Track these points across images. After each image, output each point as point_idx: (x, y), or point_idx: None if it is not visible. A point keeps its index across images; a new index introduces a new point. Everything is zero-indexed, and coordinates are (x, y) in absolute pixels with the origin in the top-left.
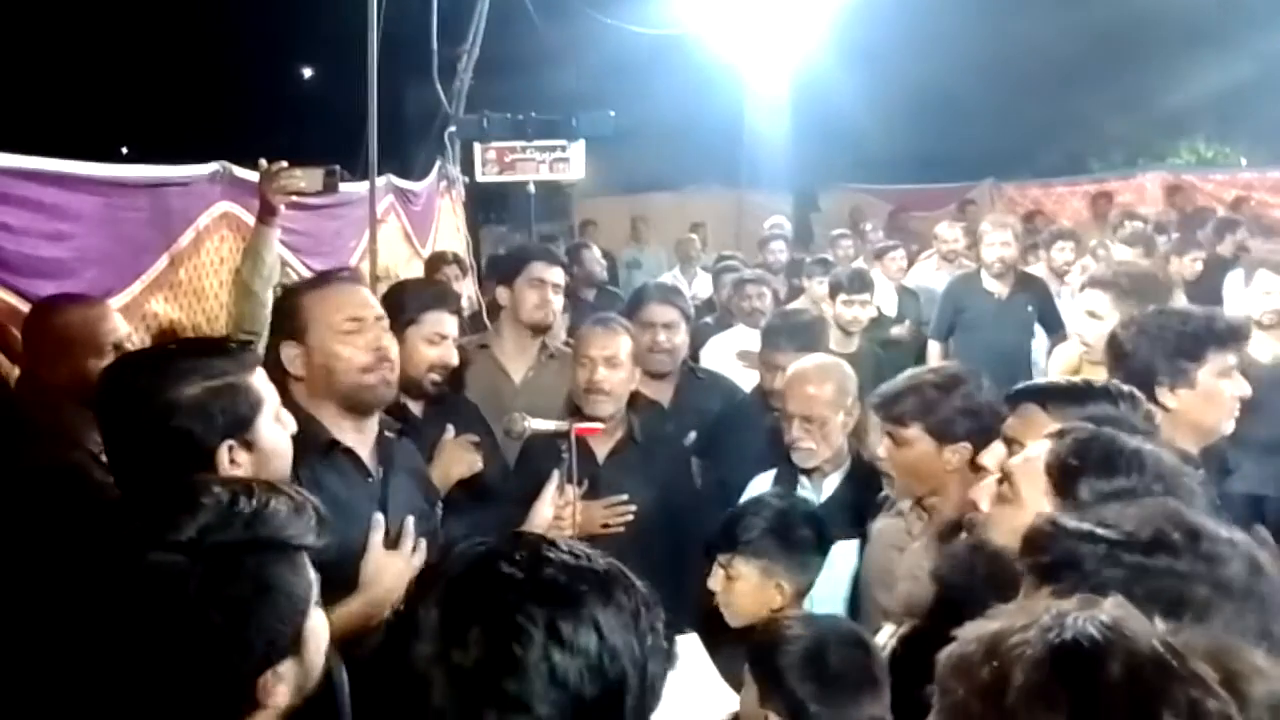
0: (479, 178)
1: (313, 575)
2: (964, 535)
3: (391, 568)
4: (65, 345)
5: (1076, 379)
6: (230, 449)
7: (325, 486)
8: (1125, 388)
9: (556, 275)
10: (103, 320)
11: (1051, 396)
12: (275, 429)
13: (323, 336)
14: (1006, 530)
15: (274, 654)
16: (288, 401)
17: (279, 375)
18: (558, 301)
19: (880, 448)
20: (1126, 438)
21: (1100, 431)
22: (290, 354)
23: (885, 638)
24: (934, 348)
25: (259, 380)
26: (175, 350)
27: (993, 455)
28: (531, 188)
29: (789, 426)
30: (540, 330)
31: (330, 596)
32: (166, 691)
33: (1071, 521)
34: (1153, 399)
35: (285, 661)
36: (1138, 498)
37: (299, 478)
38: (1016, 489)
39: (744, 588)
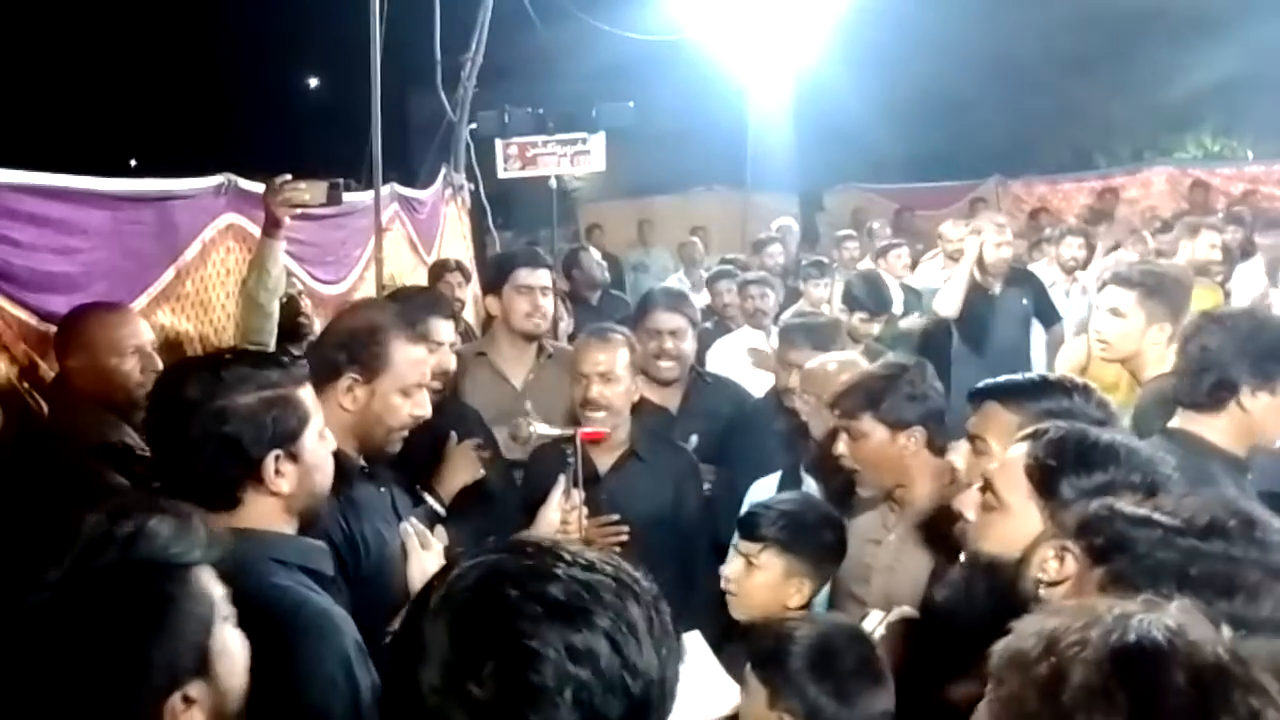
0: (500, 174)
1: (216, 592)
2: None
3: (431, 566)
4: (89, 348)
5: (1033, 375)
6: (277, 459)
7: (365, 507)
8: (1079, 380)
9: (543, 278)
10: (125, 324)
11: (1009, 392)
12: (319, 444)
13: (391, 387)
14: (997, 538)
15: (177, 676)
16: None
17: None
18: (548, 303)
19: (840, 444)
20: (1098, 432)
21: (1072, 428)
22: (347, 385)
23: (874, 623)
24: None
25: (307, 395)
26: (230, 359)
27: (958, 453)
28: (554, 183)
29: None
30: (533, 338)
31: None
32: None
33: (1129, 507)
34: (1228, 397)
35: (193, 683)
36: (1117, 490)
37: (337, 501)
38: (1000, 496)
39: (764, 580)
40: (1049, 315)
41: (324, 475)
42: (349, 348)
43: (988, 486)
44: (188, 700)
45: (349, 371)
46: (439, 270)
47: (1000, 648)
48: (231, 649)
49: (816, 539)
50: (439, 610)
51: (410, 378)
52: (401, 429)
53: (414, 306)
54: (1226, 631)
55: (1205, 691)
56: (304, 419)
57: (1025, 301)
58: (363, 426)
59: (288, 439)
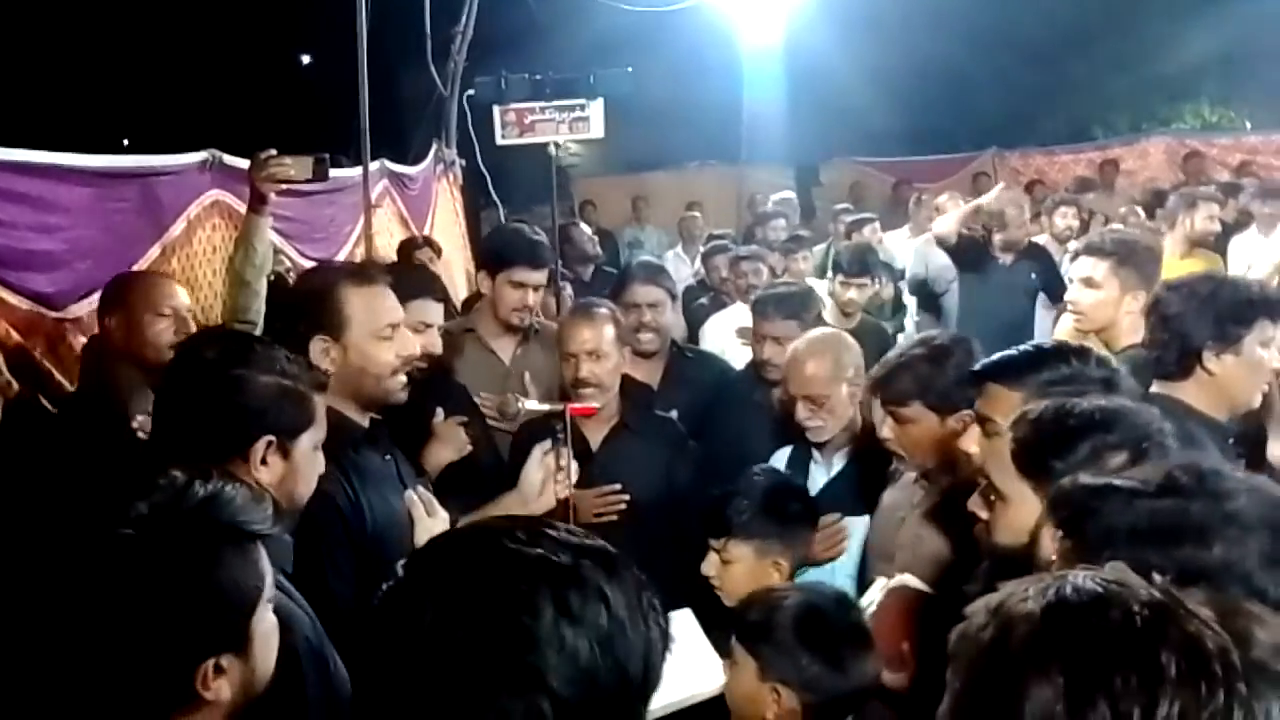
0: (499, 140)
1: (266, 570)
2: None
3: (436, 531)
4: (126, 305)
5: (1026, 347)
6: (269, 444)
7: (370, 472)
8: (1074, 344)
9: (540, 278)
10: (163, 286)
11: (1005, 370)
12: (312, 454)
13: (362, 338)
14: (1005, 528)
15: (214, 643)
16: None
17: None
18: (538, 298)
19: (885, 428)
20: (1075, 401)
21: (1048, 405)
22: (321, 348)
23: (876, 592)
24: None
25: (320, 404)
26: (263, 340)
27: (970, 437)
28: (552, 149)
29: (796, 407)
30: (516, 329)
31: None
32: (100, 671)
33: (1091, 479)
34: (1195, 363)
35: (228, 655)
36: (1105, 455)
37: (343, 466)
38: (997, 487)
39: (740, 569)
40: (1057, 291)
41: (305, 486)
42: (306, 314)
43: (987, 481)
44: (219, 670)
45: (316, 336)
46: (407, 248)
47: (955, 630)
48: (270, 631)
49: (777, 515)
50: (434, 566)
51: (379, 320)
52: (394, 374)
53: (405, 285)
54: (1158, 578)
55: (1142, 626)
56: (309, 420)
57: (1034, 276)
58: (351, 383)
59: (286, 431)
